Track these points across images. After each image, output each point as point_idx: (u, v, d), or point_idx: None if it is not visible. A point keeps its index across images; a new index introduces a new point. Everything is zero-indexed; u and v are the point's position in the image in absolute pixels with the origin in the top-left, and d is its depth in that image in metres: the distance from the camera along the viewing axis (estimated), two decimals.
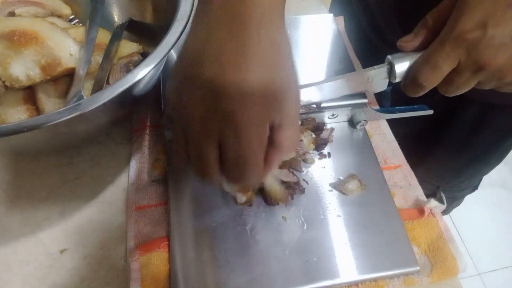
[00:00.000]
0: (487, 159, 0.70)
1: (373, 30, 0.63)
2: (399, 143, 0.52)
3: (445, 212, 0.48)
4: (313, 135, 0.48)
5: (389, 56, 0.38)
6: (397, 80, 0.39)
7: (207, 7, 0.31)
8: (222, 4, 0.30)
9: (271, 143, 0.32)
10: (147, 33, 0.53)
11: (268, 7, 0.30)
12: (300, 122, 0.48)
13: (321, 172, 0.47)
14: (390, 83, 0.41)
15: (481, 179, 0.80)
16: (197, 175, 0.34)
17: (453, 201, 0.83)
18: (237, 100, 0.29)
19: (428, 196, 0.46)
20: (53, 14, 0.53)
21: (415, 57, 0.37)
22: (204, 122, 0.30)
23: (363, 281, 0.40)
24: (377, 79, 0.40)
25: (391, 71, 0.39)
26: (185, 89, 0.31)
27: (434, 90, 0.38)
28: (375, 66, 0.40)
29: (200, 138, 0.31)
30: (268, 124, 0.31)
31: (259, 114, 0.29)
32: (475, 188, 0.81)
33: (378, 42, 0.63)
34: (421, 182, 0.48)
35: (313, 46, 0.54)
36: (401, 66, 0.38)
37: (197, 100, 0.30)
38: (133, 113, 0.52)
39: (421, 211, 0.45)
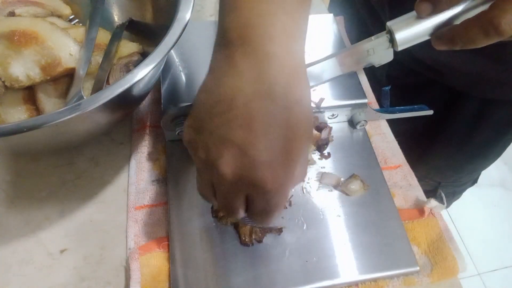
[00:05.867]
0: (487, 154, 0.71)
1: (376, 29, 0.63)
2: (400, 141, 0.52)
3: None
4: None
5: (388, 23, 0.35)
6: (400, 47, 0.35)
7: (230, 56, 0.30)
8: (247, 59, 0.30)
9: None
10: (147, 33, 0.53)
11: (295, 66, 0.31)
12: None
13: (321, 172, 0.47)
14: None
15: (480, 173, 0.80)
16: (224, 212, 0.37)
17: (453, 195, 0.83)
18: (266, 168, 0.29)
19: (429, 192, 0.46)
20: (53, 14, 0.53)
21: (415, 22, 0.34)
22: (234, 182, 0.30)
23: (363, 281, 0.40)
24: (378, 50, 0.37)
25: (392, 39, 0.35)
26: (214, 143, 0.30)
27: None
28: (373, 37, 0.37)
29: (229, 194, 0.32)
30: None
31: (286, 179, 0.30)
32: (474, 181, 0.81)
33: None
34: (423, 178, 0.48)
35: (313, 46, 0.54)
36: (402, 32, 0.34)
37: (227, 159, 0.30)
38: (133, 113, 0.52)
39: (421, 211, 0.45)
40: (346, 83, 0.49)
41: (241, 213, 0.34)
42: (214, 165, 0.30)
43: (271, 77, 0.29)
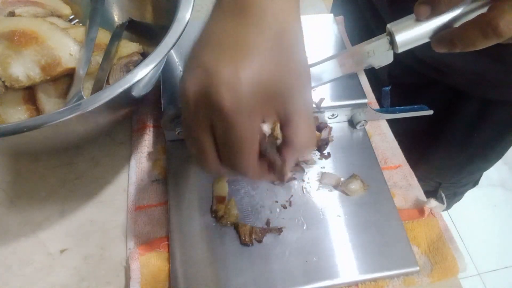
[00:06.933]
0: (488, 155, 0.71)
1: (378, 30, 0.63)
2: (400, 142, 0.52)
3: (445, 207, 0.48)
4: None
5: (388, 25, 0.35)
6: (401, 49, 0.35)
7: (221, 9, 0.31)
8: (239, 10, 0.30)
9: (284, 139, 0.31)
10: (147, 33, 0.53)
11: (291, 20, 0.30)
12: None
13: (321, 172, 0.47)
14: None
15: (481, 174, 0.80)
16: (197, 162, 0.33)
17: (454, 196, 0.83)
18: (227, 89, 0.28)
19: (429, 193, 0.46)
20: (53, 14, 0.53)
21: (416, 24, 0.34)
22: (195, 102, 0.29)
23: (363, 281, 0.40)
24: (379, 52, 0.37)
25: (392, 41, 0.35)
26: (187, 68, 0.31)
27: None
28: (373, 38, 0.37)
29: (192, 119, 0.30)
30: (268, 118, 0.30)
31: (249, 106, 0.28)
32: (475, 183, 0.81)
33: None
34: (423, 179, 0.48)
35: (313, 46, 0.54)
36: (402, 35, 0.34)
37: (193, 80, 0.29)
38: (133, 113, 0.52)
39: (421, 211, 0.45)
40: (346, 83, 0.49)
41: (208, 148, 0.31)
42: (180, 88, 0.30)
43: (260, 12, 0.29)
